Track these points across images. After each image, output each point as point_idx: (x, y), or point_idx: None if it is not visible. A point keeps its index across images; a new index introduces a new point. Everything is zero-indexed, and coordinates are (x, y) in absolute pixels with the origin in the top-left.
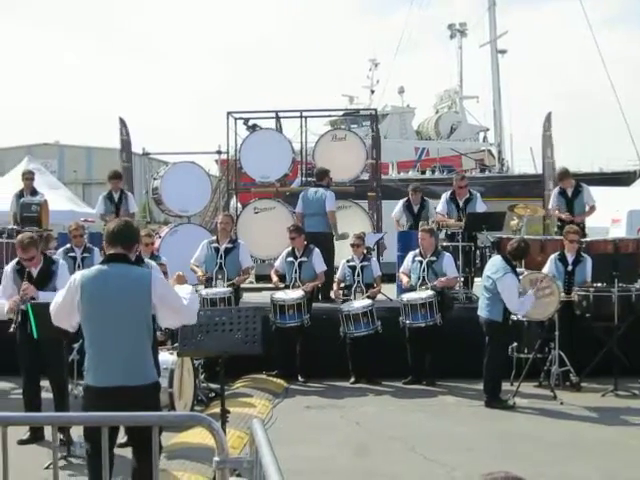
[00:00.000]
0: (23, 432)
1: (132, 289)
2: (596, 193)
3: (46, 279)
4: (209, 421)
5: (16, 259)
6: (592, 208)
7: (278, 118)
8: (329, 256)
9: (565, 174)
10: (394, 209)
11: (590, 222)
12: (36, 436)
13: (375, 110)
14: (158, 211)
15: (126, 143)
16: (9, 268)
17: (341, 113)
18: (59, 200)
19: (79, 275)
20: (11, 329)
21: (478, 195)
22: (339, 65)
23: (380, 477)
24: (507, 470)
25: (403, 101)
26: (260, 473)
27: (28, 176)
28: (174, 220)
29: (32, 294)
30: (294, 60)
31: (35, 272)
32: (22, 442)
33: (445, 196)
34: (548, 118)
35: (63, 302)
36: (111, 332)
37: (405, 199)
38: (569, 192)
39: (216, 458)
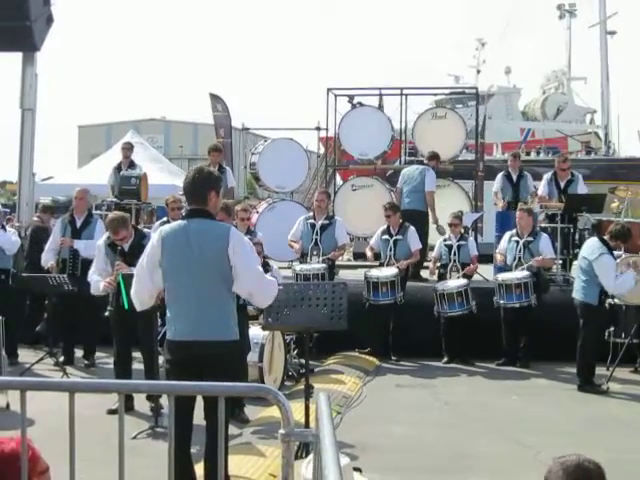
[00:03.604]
0: (113, 402)
1: (211, 242)
2: None
3: (138, 254)
4: (275, 393)
5: (107, 234)
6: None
7: (380, 95)
8: (422, 235)
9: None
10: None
11: None
12: (126, 406)
13: (476, 88)
14: None
15: (223, 118)
16: (101, 242)
17: (442, 91)
18: (160, 174)
19: (159, 232)
20: (106, 313)
21: (580, 177)
22: (446, 45)
23: (464, 457)
24: (580, 453)
25: (509, 81)
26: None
27: (126, 149)
28: (275, 196)
29: (125, 272)
30: (399, 39)
31: (127, 247)
32: (111, 412)
33: (546, 177)
34: None
35: (147, 260)
36: (191, 286)
37: (505, 171)
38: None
39: (281, 431)
